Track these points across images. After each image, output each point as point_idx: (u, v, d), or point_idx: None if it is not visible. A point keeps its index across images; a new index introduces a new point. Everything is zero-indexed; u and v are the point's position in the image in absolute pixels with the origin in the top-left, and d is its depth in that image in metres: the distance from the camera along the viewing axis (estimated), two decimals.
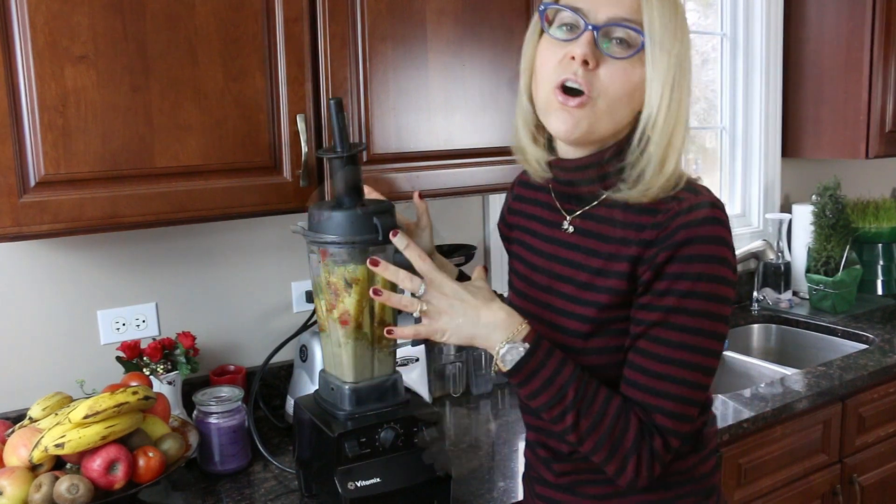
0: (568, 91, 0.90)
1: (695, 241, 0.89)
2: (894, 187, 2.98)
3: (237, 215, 1.24)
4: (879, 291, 2.48)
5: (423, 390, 1.61)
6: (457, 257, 1.71)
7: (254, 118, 1.22)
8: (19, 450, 1.14)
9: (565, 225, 1.02)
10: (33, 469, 1.14)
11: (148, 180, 1.15)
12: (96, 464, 1.12)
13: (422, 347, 1.60)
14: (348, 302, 1.16)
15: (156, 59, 1.13)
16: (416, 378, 1.59)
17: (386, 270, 0.97)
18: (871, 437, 1.88)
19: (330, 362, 1.24)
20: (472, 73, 1.43)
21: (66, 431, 1.11)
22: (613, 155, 0.95)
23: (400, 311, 1.43)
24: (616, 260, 0.94)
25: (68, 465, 1.16)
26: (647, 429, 0.92)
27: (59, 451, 1.11)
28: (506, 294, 1.17)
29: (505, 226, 1.20)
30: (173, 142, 1.16)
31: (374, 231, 1.13)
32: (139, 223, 1.16)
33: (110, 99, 1.10)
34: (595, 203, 0.99)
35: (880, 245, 2.47)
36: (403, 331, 0.98)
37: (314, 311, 1.28)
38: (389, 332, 0.98)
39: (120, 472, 1.12)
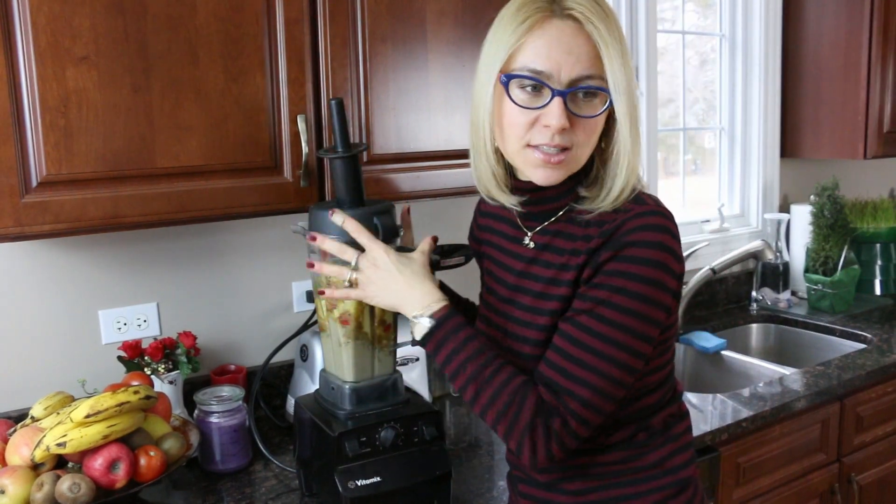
0: (545, 150, 0.94)
1: (637, 245, 0.92)
2: (892, 187, 2.99)
3: (238, 215, 1.25)
4: (877, 291, 2.49)
5: (423, 390, 1.61)
6: (456, 257, 1.70)
7: (254, 118, 1.23)
8: (21, 449, 1.14)
9: (526, 241, 1.06)
10: (35, 468, 1.14)
11: (149, 180, 1.16)
12: (98, 463, 1.12)
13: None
14: (348, 302, 1.17)
15: (157, 59, 1.14)
16: (416, 378, 1.59)
17: (323, 242, 1.08)
18: (869, 436, 1.88)
19: (330, 362, 1.24)
20: (471, 74, 1.43)
21: (67, 431, 1.12)
22: (581, 180, 1.00)
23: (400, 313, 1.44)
24: (566, 269, 0.99)
25: (70, 465, 1.16)
26: (546, 408, 0.93)
27: (61, 451, 1.11)
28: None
29: (474, 241, 1.23)
30: (174, 142, 1.16)
31: (374, 231, 1.14)
32: (140, 223, 1.16)
33: (111, 99, 1.11)
34: (553, 219, 1.03)
35: (878, 245, 2.47)
36: (334, 292, 1.08)
37: (314, 311, 1.29)
38: (321, 292, 1.09)
39: (121, 471, 1.13)
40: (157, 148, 1.15)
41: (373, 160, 1.35)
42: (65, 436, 1.11)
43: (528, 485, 1.11)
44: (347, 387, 1.19)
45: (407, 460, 1.18)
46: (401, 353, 1.54)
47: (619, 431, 1.02)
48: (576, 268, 0.97)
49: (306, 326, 1.50)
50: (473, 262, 1.26)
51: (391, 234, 1.15)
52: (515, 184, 1.04)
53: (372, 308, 1.18)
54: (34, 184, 1.08)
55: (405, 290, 1.03)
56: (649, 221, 0.94)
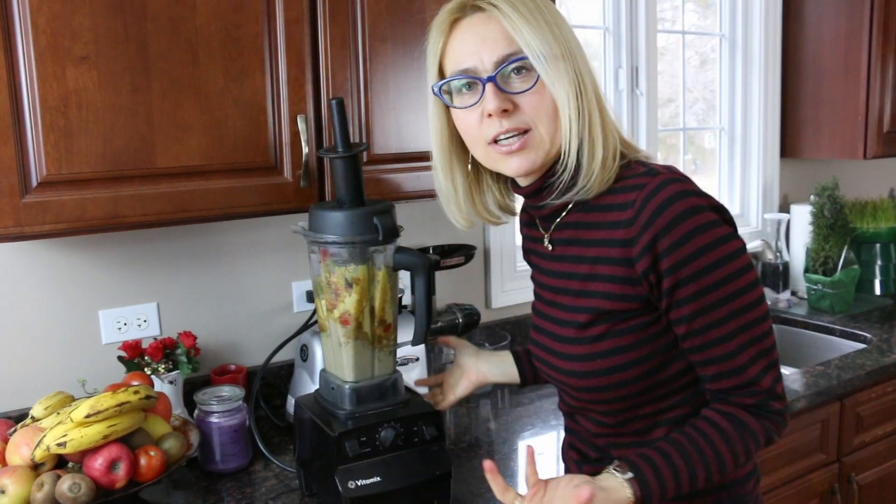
0: (503, 140, 0.94)
1: (671, 226, 0.89)
2: (892, 187, 2.99)
3: (238, 215, 1.25)
4: (877, 291, 2.49)
5: (423, 389, 1.61)
6: (456, 257, 1.71)
7: (255, 118, 1.23)
8: (21, 449, 1.14)
9: (545, 243, 1.06)
10: (35, 468, 1.14)
11: (149, 180, 1.16)
12: (98, 463, 1.12)
13: (422, 347, 1.61)
14: (349, 302, 1.17)
15: (157, 59, 1.14)
16: (416, 378, 1.59)
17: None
18: (868, 436, 1.88)
19: (330, 362, 1.24)
20: None
21: (67, 430, 1.12)
22: (558, 170, 0.96)
23: (400, 311, 1.44)
24: (602, 263, 0.96)
25: (70, 464, 1.16)
26: (766, 422, 0.96)
27: (61, 450, 1.11)
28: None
29: (524, 251, 1.21)
30: (174, 142, 1.16)
31: (374, 231, 1.14)
32: (140, 223, 1.17)
33: (111, 99, 1.11)
34: (564, 214, 1.01)
35: (878, 245, 2.47)
36: None
37: (315, 311, 1.29)
38: None
39: (121, 471, 1.13)
40: (157, 148, 1.15)
41: (373, 160, 1.35)
42: (65, 436, 1.11)
43: (587, 463, 1.10)
44: (347, 387, 1.19)
45: (407, 460, 1.18)
46: (401, 353, 1.54)
47: (675, 411, 1.00)
48: (613, 261, 0.94)
49: (306, 326, 1.51)
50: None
51: (391, 234, 1.15)
52: (515, 190, 1.04)
53: (372, 308, 1.18)
54: (34, 184, 1.08)
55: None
56: (668, 193, 0.90)
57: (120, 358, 1.41)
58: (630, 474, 0.91)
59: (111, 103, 1.11)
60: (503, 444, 1.50)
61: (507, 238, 1.97)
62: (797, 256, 2.48)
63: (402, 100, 1.37)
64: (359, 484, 1.13)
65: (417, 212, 1.38)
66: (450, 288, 1.87)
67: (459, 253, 1.72)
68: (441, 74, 0.98)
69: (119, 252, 1.49)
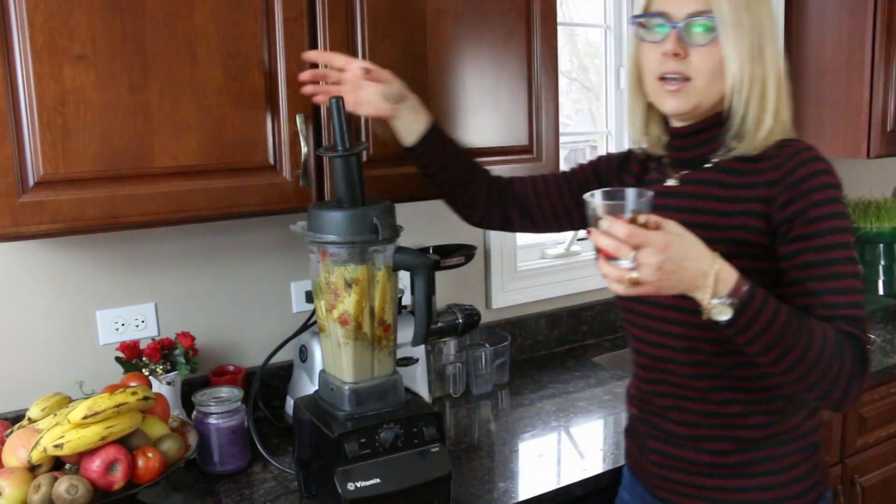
0: (668, 80, 1.08)
1: (804, 180, 1.03)
2: (895, 187, 2.98)
3: (237, 215, 1.24)
4: (881, 291, 2.48)
5: (423, 390, 1.60)
6: (456, 257, 1.70)
7: (253, 118, 1.22)
8: (18, 450, 1.14)
9: (670, 182, 1.15)
10: (32, 469, 1.13)
11: (147, 180, 1.15)
12: (95, 464, 1.11)
13: (422, 348, 1.60)
14: (348, 302, 1.16)
15: (155, 58, 1.13)
16: (416, 378, 1.59)
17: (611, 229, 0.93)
18: (872, 437, 1.87)
19: (330, 362, 1.24)
20: (472, 73, 1.43)
21: (65, 432, 1.11)
22: (716, 123, 1.10)
23: (400, 311, 1.43)
24: (744, 202, 1.07)
25: (67, 466, 1.15)
26: (857, 344, 0.99)
27: (59, 452, 1.10)
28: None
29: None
30: (172, 141, 1.16)
31: (374, 231, 1.13)
32: (138, 223, 1.16)
33: (109, 98, 1.10)
34: (707, 166, 1.12)
35: (881, 245, 2.46)
36: (619, 289, 0.93)
37: (314, 311, 1.28)
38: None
39: (119, 472, 1.12)
40: (155, 147, 1.15)
41: (372, 160, 1.35)
42: (62, 437, 1.10)
43: (661, 441, 1.18)
44: (347, 387, 1.19)
45: (407, 462, 1.17)
46: (401, 353, 1.53)
47: (762, 395, 1.10)
48: (755, 200, 1.05)
49: (306, 327, 1.50)
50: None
51: (391, 234, 1.14)
52: (668, 130, 1.16)
53: (372, 308, 1.18)
54: (31, 183, 1.07)
55: (697, 275, 0.91)
56: (809, 155, 1.05)
57: (118, 359, 1.40)
58: (735, 300, 0.93)
59: (109, 102, 1.10)
60: (503, 445, 1.49)
61: (508, 238, 1.96)
62: None
63: None
64: (358, 485, 1.13)
65: (417, 212, 1.38)
66: (450, 288, 1.86)
67: (459, 253, 1.71)
68: (646, 10, 1.11)
69: (117, 252, 1.48)
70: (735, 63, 1.04)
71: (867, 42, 2.23)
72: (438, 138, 1.27)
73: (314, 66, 1.24)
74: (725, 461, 1.13)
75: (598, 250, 0.92)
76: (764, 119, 1.06)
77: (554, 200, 1.32)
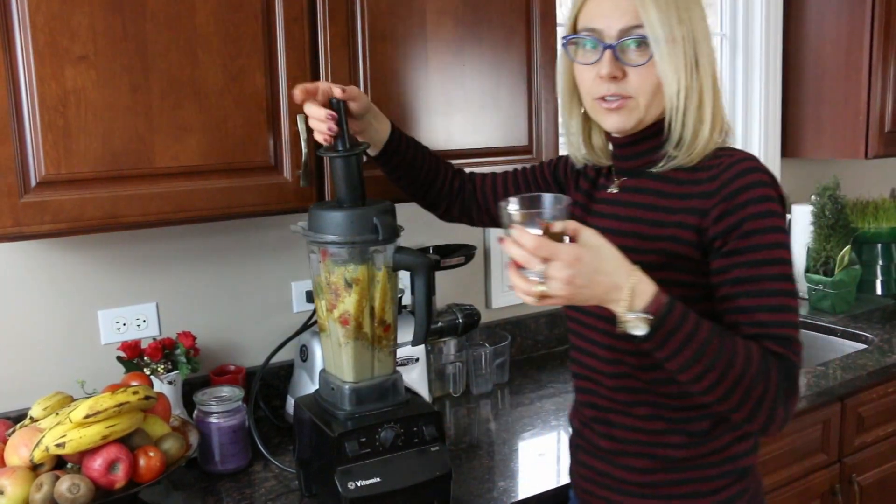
0: (608, 99, 1.04)
1: (739, 193, 0.98)
2: (893, 187, 2.98)
3: (237, 215, 1.24)
4: (879, 291, 2.48)
5: (423, 390, 1.61)
6: (456, 257, 1.71)
7: (254, 118, 1.23)
8: (20, 449, 1.14)
9: (611, 189, 1.13)
10: (34, 469, 1.14)
11: (148, 180, 1.16)
12: (97, 463, 1.12)
13: (422, 347, 1.61)
14: (348, 302, 1.17)
15: (156, 58, 1.13)
16: (416, 378, 1.59)
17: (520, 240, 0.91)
18: (870, 436, 1.88)
19: (330, 362, 1.24)
20: (472, 73, 1.43)
21: (66, 431, 1.12)
22: (657, 132, 1.06)
23: (400, 311, 1.44)
24: (677, 213, 1.03)
25: (69, 465, 1.16)
26: (786, 365, 0.95)
27: (60, 451, 1.11)
28: None
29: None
30: (173, 142, 1.16)
31: (374, 231, 1.14)
32: (139, 223, 1.16)
33: (110, 99, 1.11)
34: (647, 174, 1.08)
35: (879, 245, 2.47)
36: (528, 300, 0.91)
37: (314, 311, 1.29)
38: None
39: (120, 471, 1.13)
40: (156, 148, 1.15)
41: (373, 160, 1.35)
42: (64, 436, 1.11)
43: (590, 455, 1.14)
44: (347, 387, 1.19)
45: (407, 461, 1.18)
46: (401, 353, 1.54)
47: (686, 414, 1.05)
48: (689, 212, 1.01)
49: (306, 326, 1.50)
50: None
51: (391, 234, 1.15)
52: (609, 139, 1.14)
53: (372, 308, 1.18)
54: (33, 183, 1.08)
55: (610, 288, 0.89)
56: (746, 165, 1.00)
57: (119, 358, 1.41)
58: (650, 316, 0.90)
59: (110, 103, 1.11)
60: (503, 444, 1.50)
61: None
62: (798, 257, 2.47)
63: (403, 99, 1.36)
64: (359, 484, 1.13)
65: (417, 212, 1.38)
66: (450, 288, 1.87)
67: (459, 253, 1.71)
68: (574, 28, 1.07)
69: (118, 252, 1.49)
70: (673, 79, 1.00)
71: (865, 43, 2.24)
72: (402, 140, 1.26)
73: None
74: (647, 480, 1.08)
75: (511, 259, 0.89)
76: (701, 130, 1.02)
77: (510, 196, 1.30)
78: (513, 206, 0.89)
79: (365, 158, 1.33)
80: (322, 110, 1.12)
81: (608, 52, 1.01)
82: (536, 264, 0.86)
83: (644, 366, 1.05)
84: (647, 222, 1.05)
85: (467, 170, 1.46)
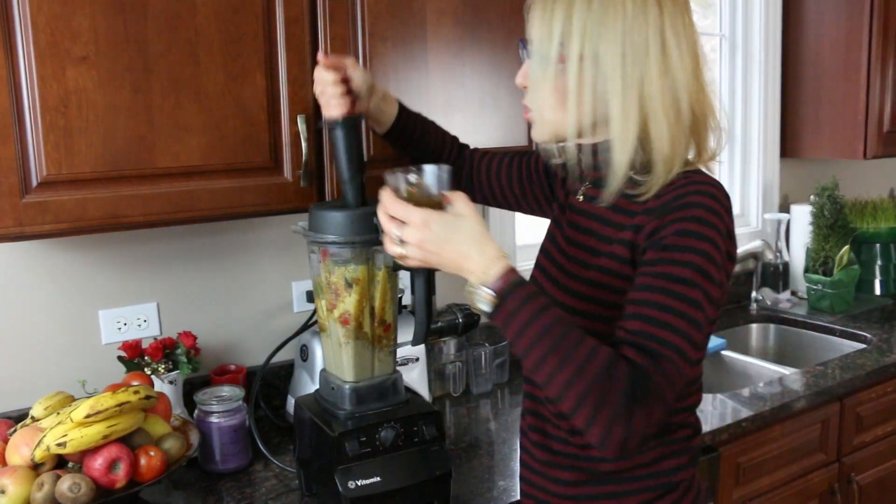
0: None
1: (680, 208, 0.92)
2: (892, 187, 2.99)
3: (238, 215, 1.25)
4: (877, 291, 2.49)
5: (423, 390, 1.61)
6: None
7: (254, 118, 1.23)
8: (21, 449, 1.14)
9: (578, 196, 1.09)
10: (35, 468, 1.14)
11: (149, 180, 1.16)
12: (98, 463, 1.12)
13: (422, 347, 1.61)
14: (349, 302, 1.17)
15: (157, 59, 1.14)
16: (416, 377, 1.59)
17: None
18: (868, 436, 1.88)
19: (330, 362, 1.24)
20: (472, 73, 1.43)
21: (67, 430, 1.12)
22: (578, 152, 1.02)
23: (400, 311, 1.44)
24: (621, 229, 0.99)
25: (70, 464, 1.16)
26: (642, 372, 0.85)
27: (61, 450, 1.11)
28: None
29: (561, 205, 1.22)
30: (174, 142, 1.16)
31: (374, 231, 1.14)
32: (140, 223, 1.16)
33: (111, 99, 1.11)
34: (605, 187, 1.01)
35: (878, 245, 2.47)
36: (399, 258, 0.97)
37: (315, 311, 1.29)
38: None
39: (121, 471, 1.13)
40: (157, 148, 1.15)
41: (373, 160, 1.35)
42: (65, 436, 1.11)
43: (526, 467, 1.12)
44: (347, 387, 1.19)
45: (407, 460, 1.18)
46: (401, 353, 1.54)
47: None
48: (629, 228, 0.96)
49: (306, 326, 1.51)
50: None
51: None
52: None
53: (372, 308, 1.18)
54: (34, 184, 1.08)
55: (459, 257, 0.91)
56: (698, 188, 0.93)
57: (120, 358, 1.41)
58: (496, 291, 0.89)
59: (111, 103, 1.11)
60: (503, 444, 1.50)
61: (507, 238, 1.97)
62: (797, 256, 2.48)
63: (403, 99, 1.37)
64: (359, 484, 1.13)
65: None
66: (450, 288, 1.87)
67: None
68: None
69: (119, 252, 1.49)
70: (573, 99, 0.95)
71: (864, 44, 2.24)
72: (409, 119, 1.28)
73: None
74: (574, 493, 1.05)
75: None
76: (614, 156, 0.96)
77: (502, 181, 1.31)
78: (388, 172, 0.94)
79: (365, 158, 1.34)
80: (332, 76, 1.14)
81: (526, 62, 1.01)
82: (393, 227, 0.92)
83: None
84: (597, 236, 1.03)
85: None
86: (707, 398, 1.69)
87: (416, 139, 1.29)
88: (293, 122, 1.26)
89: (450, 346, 1.75)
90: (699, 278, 0.88)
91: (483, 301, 0.90)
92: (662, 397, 0.86)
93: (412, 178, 0.94)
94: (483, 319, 1.83)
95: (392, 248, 0.94)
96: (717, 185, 0.95)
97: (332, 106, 1.15)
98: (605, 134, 0.96)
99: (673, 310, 0.87)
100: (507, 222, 1.97)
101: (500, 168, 1.32)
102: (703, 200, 0.92)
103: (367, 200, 1.18)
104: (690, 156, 1.00)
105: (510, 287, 0.88)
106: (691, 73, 0.95)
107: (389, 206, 0.92)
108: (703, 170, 1.00)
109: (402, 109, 1.27)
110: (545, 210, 1.27)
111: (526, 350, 0.87)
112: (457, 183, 1.34)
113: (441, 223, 0.90)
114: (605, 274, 0.99)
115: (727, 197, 0.96)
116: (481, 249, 0.90)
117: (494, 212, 1.93)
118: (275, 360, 1.49)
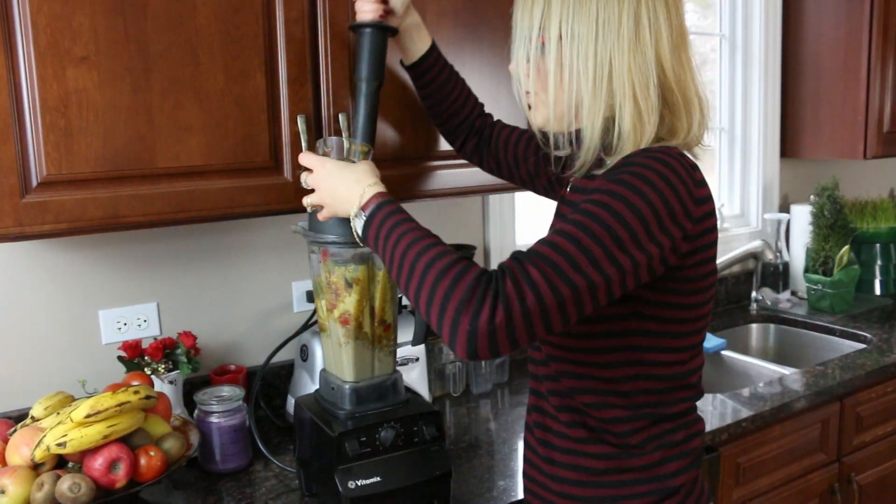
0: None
1: (620, 164, 0.93)
2: (892, 187, 2.99)
3: (238, 215, 1.25)
4: (877, 291, 2.49)
5: (423, 390, 1.61)
6: None
7: (254, 118, 1.23)
8: (21, 449, 1.14)
9: (568, 186, 1.12)
10: (35, 468, 1.14)
11: (149, 180, 1.16)
12: (98, 463, 1.12)
13: (422, 347, 1.61)
14: (349, 302, 1.17)
15: (157, 59, 1.14)
16: (416, 377, 1.60)
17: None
18: (868, 436, 1.88)
19: (330, 362, 1.24)
20: (472, 73, 1.43)
21: (67, 430, 1.12)
22: (574, 138, 1.02)
23: (400, 311, 1.44)
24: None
25: (70, 464, 1.16)
26: (496, 272, 0.84)
27: (61, 451, 1.11)
28: None
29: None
30: (174, 142, 1.16)
31: None
32: (140, 223, 1.16)
33: (111, 99, 1.11)
34: (587, 177, 1.04)
35: (878, 245, 2.47)
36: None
37: (315, 311, 1.29)
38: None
39: (121, 471, 1.13)
40: (157, 148, 1.15)
41: (373, 160, 1.35)
42: (65, 436, 1.11)
43: (529, 464, 1.13)
44: (347, 387, 1.20)
45: (407, 460, 1.18)
46: (401, 353, 1.54)
47: (607, 425, 1.02)
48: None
49: (306, 326, 1.51)
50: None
51: None
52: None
53: (372, 308, 1.19)
54: (34, 184, 1.08)
55: (345, 190, 1.04)
56: (655, 149, 0.94)
57: (120, 358, 1.41)
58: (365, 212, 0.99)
59: (111, 103, 1.11)
60: (503, 444, 1.50)
61: (507, 238, 1.97)
62: (797, 256, 2.48)
63: (403, 99, 1.37)
64: (359, 484, 1.13)
65: (418, 212, 1.38)
66: None
67: (461, 253, 1.71)
68: None
69: (119, 252, 1.49)
70: (553, 80, 0.97)
71: (864, 44, 2.25)
72: (439, 62, 1.28)
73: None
74: (572, 493, 1.05)
75: None
76: (584, 136, 0.97)
77: (518, 154, 1.31)
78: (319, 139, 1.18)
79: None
80: None
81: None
82: (302, 174, 1.14)
83: (571, 373, 1.03)
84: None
85: (468, 170, 1.46)
86: (707, 398, 1.69)
87: (439, 84, 1.29)
88: (293, 122, 1.26)
89: None
90: (599, 228, 0.85)
91: (358, 225, 1.00)
92: (520, 302, 0.81)
93: (330, 141, 1.17)
94: None
95: (304, 200, 1.12)
96: (673, 154, 0.93)
97: (366, 11, 1.18)
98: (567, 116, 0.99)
99: (557, 247, 0.84)
100: (507, 222, 1.97)
101: (518, 141, 1.32)
102: (646, 161, 0.90)
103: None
104: (666, 137, 0.98)
105: (375, 206, 0.98)
106: (669, 51, 0.95)
107: (301, 156, 1.12)
108: (686, 154, 0.98)
109: (435, 49, 1.28)
110: (553, 195, 1.28)
111: (386, 258, 0.94)
112: (475, 146, 1.37)
113: (335, 164, 1.08)
114: None
115: (688, 166, 0.93)
116: (361, 181, 1.02)
117: (495, 211, 1.93)
118: (275, 360, 1.49)
